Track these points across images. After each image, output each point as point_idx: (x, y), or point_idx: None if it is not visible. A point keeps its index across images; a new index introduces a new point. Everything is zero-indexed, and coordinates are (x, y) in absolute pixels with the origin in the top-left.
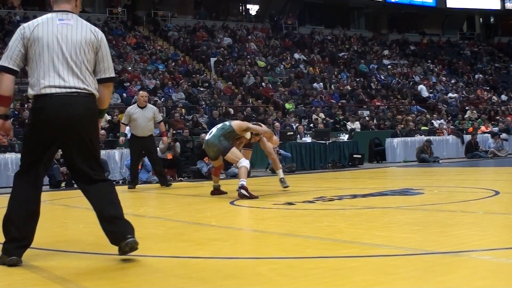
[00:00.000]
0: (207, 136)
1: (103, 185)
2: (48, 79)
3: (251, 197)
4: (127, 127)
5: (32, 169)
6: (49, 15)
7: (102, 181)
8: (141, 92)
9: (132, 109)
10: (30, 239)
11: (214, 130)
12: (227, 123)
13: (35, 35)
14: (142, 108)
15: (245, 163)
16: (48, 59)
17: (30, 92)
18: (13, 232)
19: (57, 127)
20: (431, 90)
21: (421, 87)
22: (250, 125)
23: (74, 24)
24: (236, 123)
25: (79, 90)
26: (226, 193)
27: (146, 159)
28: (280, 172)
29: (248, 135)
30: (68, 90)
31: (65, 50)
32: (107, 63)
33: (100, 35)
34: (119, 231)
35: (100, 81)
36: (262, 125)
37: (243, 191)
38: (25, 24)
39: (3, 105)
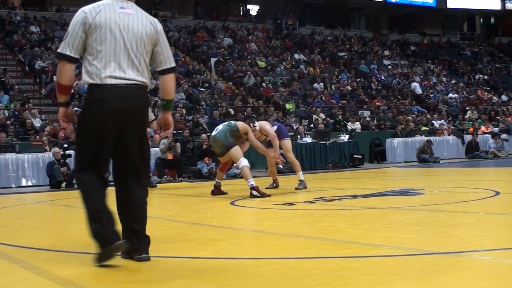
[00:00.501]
0: (214, 132)
1: (141, 192)
2: (109, 69)
3: (263, 196)
4: None
5: (95, 164)
6: (108, 0)
7: (143, 187)
8: None
9: None
10: (120, 236)
11: (220, 126)
12: (232, 122)
13: (97, 21)
14: None
15: (244, 163)
16: (110, 48)
17: (88, 80)
18: (103, 233)
19: (118, 118)
20: (432, 91)
21: (414, 84)
22: (250, 132)
23: (135, 13)
24: (241, 124)
25: (138, 83)
26: (226, 193)
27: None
28: (300, 174)
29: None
30: (128, 82)
31: (127, 40)
32: (167, 53)
33: (159, 27)
34: (138, 244)
35: (163, 72)
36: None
37: (254, 192)
38: (86, 9)
39: (64, 94)
